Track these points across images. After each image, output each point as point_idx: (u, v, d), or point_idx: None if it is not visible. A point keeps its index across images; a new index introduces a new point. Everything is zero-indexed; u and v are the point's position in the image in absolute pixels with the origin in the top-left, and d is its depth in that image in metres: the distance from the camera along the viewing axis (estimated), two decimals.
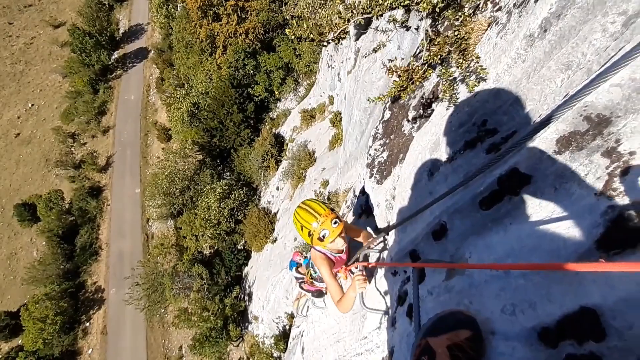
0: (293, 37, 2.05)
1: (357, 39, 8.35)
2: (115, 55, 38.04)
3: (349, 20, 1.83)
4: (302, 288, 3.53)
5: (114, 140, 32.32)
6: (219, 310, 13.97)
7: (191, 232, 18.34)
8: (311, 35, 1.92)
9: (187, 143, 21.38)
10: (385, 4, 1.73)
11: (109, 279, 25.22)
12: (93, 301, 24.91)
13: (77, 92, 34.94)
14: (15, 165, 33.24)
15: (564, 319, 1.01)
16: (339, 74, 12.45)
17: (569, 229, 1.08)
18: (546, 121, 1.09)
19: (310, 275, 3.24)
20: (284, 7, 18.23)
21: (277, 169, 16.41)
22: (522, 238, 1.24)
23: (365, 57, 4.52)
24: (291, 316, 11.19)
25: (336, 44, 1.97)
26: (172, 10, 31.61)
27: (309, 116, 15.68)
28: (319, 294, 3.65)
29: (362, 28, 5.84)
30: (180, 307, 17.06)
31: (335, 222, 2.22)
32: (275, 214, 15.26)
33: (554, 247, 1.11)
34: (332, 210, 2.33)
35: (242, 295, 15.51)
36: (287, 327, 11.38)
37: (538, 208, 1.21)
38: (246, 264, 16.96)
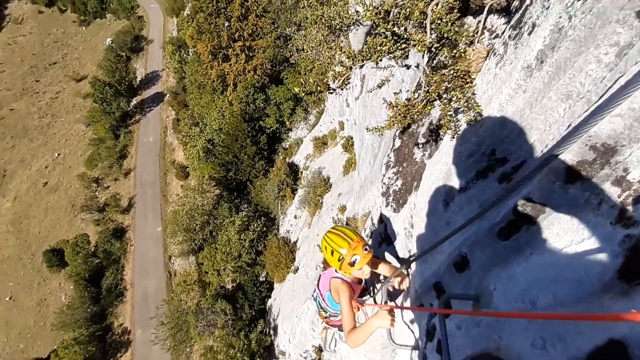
0: (303, 95, 2.19)
1: (361, 67, 8.62)
2: (134, 101, 40.30)
3: (351, 68, 1.94)
4: (327, 323, 3.48)
5: (135, 182, 33.52)
6: (245, 346, 13.70)
7: (213, 267, 18.41)
8: (319, 88, 2.04)
9: (204, 179, 21.94)
10: (384, 49, 1.84)
11: (135, 319, 25.32)
12: (120, 343, 24.93)
13: (100, 139, 36.87)
14: (44, 213, 34.77)
15: (595, 352, 0.99)
16: (347, 100, 12.75)
17: (589, 259, 1.08)
18: (554, 153, 1.12)
19: (322, 315, 3.13)
20: (289, 42, 19.11)
21: (294, 198, 16.52)
22: (544, 268, 1.24)
23: (371, 91, 4.65)
24: (319, 349, 10.86)
25: (342, 89, 2.08)
26: (185, 55, 33.55)
27: (321, 143, 15.93)
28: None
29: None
30: (205, 345, 16.84)
31: (366, 249, 2.23)
32: (295, 242, 15.22)
33: (576, 277, 1.10)
34: (362, 237, 2.33)
35: (267, 330, 15.21)
36: None
37: (556, 237, 1.21)
38: (269, 296, 16.75)
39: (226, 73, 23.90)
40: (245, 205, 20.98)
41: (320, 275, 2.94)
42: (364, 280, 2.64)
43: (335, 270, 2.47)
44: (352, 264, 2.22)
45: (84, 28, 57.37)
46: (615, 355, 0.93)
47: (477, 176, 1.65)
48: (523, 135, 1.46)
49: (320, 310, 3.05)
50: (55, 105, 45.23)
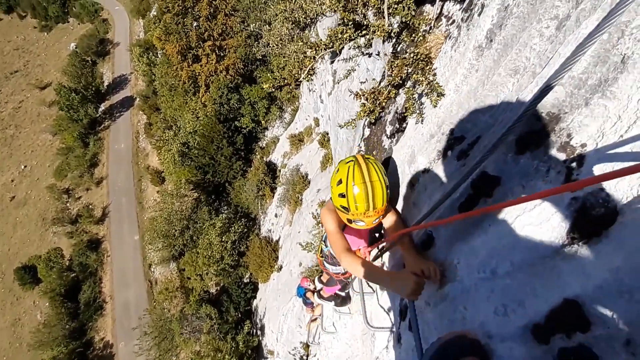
0: (272, 89, 2.13)
1: (332, 62, 8.64)
2: (102, 107, 38.74)
3: (314, 58, 1.94)
4: (321, 297, 3.39)
5: (108, 190, 32.32)
6: (233, 349, 13.55)
7: (195, 272, 18.05)
8: (286, 81, 2.02)
9: (181, 183, 21.43)
10: (345, 36, 1.84)
11: (117, 332, 24.50)
12: (102, 358, 24.08)
13: (68, 148, 35.24)
14: (13, 229, 32.95)
15: (551, 314, 1.03)
16: (321, 96, 12.75)
17: (541, 224, 1.12)
18: (511, 127, 1.16)
19: (322, 251, 2.72)
20: (259, 40, 18.87)
21: (273, 197, 16.42)
22: (501, 238, 1.28)
23: (339, 82, 4.67)
24: (307, 345, 10.88)
25: (308, 81, 2.07)
26: (153, 57, 32.51)
27: (298, 140, 15.89)
28: (341, 300, 3.51)
29: (335, 53, 6.08)
30: (193, 350, 16.54)
31: (378, 219, 1.77)
32: (277, 241, 15.14)
33: (530, 243, 1.15)
34: (388, 205, 1.79)
35: (254, 330, 15.10)
36: (305, 357, 11.04)
37: (511, 207, 1.25)
38: (254, 297, 16.62)
39: (197, 74, 23.37)
40: (225, 207, 20.68)
41: None
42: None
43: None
44: (350, 222, 1.80)
45: (45, 34, 54.47)
46: (572, 315, 0.97)
47: (437, 156, 1.69)
48: (477, 112, 1.50)
49: (322, 243, 2.67)
50: (18, 115, 42.84)
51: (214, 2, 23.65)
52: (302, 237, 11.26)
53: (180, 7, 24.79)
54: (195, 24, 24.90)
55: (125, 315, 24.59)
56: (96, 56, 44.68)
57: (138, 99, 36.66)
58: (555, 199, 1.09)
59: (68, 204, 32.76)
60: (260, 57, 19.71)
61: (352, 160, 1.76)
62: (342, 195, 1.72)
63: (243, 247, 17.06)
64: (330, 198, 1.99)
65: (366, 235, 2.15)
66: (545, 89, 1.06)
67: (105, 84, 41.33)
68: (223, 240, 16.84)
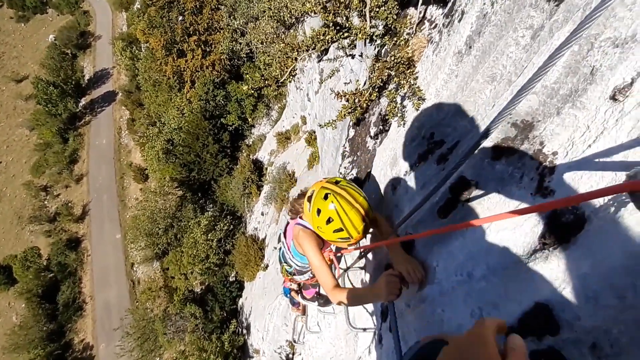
0: (252, 91, 2.10)
1: (319, 61, 8.62)
2: (83, 102, 37.52)
3: (296, 59, 1.92)
4: (304, 298, 3.36)
5: (89, 188, 31.39)
6: (218, 348, 13.42)
7: (179, 271, 17.75)
8: (267, 82, 1.99)
9: (166, 180, 21.01)
10: (327, 38, 1.84)
11: (97, 334, 23.90)
12: None
13: (46, 144, 34.02)
14: None
15: (524, 316, 1.06)
16: (308, 95, 12.71)
17: (515, 229, 1.15)
18: (485, 134, 1.18)
19: (285, 270, 2.72)
20: (243, 37, 18.62)
21: (260, 195, 16.30)
22: (477, 241, 1.30)
23: (323, 82, 4.66)
24: (292, 344, 10.88)
25: (289, 82, 2.06)
26: (136, 51, 31.68)
27: (284, 138, 15.81)
28: (325, 301, 3.48)
29: (322, 52, 6.06)
30: (177, 350, 16.30)
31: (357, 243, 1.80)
32: (264, 239, 15.05)
33: (505, 247, 1.18)
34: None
35: (240, 329, 14.99)
36: (291, 356, 11.04)
37: (487, 211, 1.28)
38: (240, 296, 16.49)
39: (182, 69, 22.92)
40: (211, 205, 20.41)
41: (287, 222, 2.47)
42: None
43: (300, 217, 2.03)
44: (325, 243, 1.86)
45: (22, 25, 52.22)
46: (542, 319, 1.00)
47: (418, 159, 1.71)
48: (456, 117, 1.52)
49: (284, 264, 2.67)
50: None
51: None
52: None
53: (166, 1, 24.25)
54: (180, 18, 24.39)
55: (106, 316, 24.00)
56: (76, 49, 43.15)
57: (120, 94, 35.66)
58: (528, 204, 1.12)
59: (46, 202, 31.66)
60: (246, 55, 19.47)
61: (329, 193, 1.72)
62: (339, 230, 1.69)
63: (229, 246, 16.89)
64: (299, 218, 2.05)
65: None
66: (519, 97, 1.09)
67: (86, 77, 40.00)
68: (209, 238, 16.62)
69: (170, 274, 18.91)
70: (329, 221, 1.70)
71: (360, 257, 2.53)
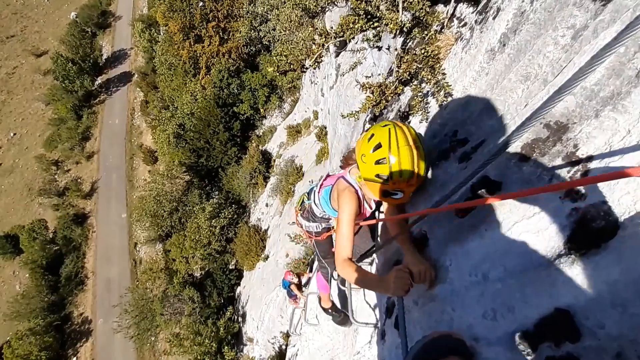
0: (276, 73, 2.05)
1: (337, 56, 8.56)
2: (99, 80, 37.93)
3: (323, 45, 1.90)
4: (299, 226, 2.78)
5: (99, 166, 31.81)
6: (212, 333, 13.57)
7: (181, 254, 17.96)
8: (292, 66, 1.96)
9: (174, 164, 21.20)
10: (356, 26, 1.81)
11: (96, 308, 24.34)
12: (80, 333, 23.92)
13: (60, 119, 34.50)
14: None
15: (541, 321, 1.04)
16: (322, 90, 12.66)
17: (539, 232, 1.12)
18: (517, 133, 1.15)
19: (302, 203, 2.51)
20: (264, 24, 18.55)
21: (266, 186, 16.36)
22: (496, 243, 1.28)
23: (343, 74, 4.63)
24: (287, 335, 10.95)
25: (314, 68, 2.04)
26: (155, 34, 31.86)
27: (295, 131, 15.81)
28: (341, 319, 3.36)
29: (341, 45, 6.02)
30: (172, 331, 16.54)
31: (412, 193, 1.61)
32: (266, 231, 15.13)
33: (525, 249, 1.15)
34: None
35: (236, 317, 15.14)
36: (284, 347, 11.11)
37: (509, 213, 1.25)
38: (238, 284, 16.63)
39: (199, 55, 22.98)
40: (216, 192, 20.55)
41: (328, 174, 2.28)
42: (373, 203, 1.99)
43: (348, 173, 1.86)
44: (387, 194, 1.58)
45: (46, 0, 52.78)
46: (562, 325, 0.97)
47: (439, 157, 1.68)
48: (483, 116, 1.49)
49: (305, 203, 2.45)
50: (11, 81, 41.60)
51: None
52: (292, 229, 11.26)
53: None
54: (200, 3, 24.41)
55: (106, 292, 24.41)
56: (97, 28, 43.56)
57: (136, 75, 35.96)
58: (555, 209, 1.09)
59: (56, 176, 32.17)
60: (265, 43, 19.37)
61: (389, 125, 1.55)
62: (381, 162, 1.50)
63: (231, 234, 17.01)
64: (347, 174, 1.84)
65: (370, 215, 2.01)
66: (556, 98, 1.05)
67: (104, 57, 40.39)
68: (212, 225, 16.76)
69: (171, 257, 19.14)
70: (376, 147, 1.52)
71: (369, 253, 2.50)
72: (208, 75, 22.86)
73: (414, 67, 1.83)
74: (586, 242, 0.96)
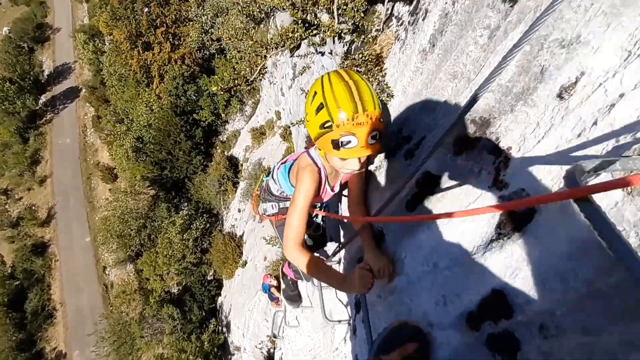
0: (221, 91, 2.00)
1: (292, 55, 8.54)
2: (43, 99, 35.27)
3: (265, 57, 1.91)
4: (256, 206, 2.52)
5: (54, 190, 29.73)
6: (197, 348, 13.24)
7: (154, 272, 17.28)
8: (237, 81, 1.94)
9: (136, 180, 20.26)
10: (296, 35, 1.83)
11: (70, 341, 22.92)
12: None
13: (4, 144, 31.81)
14: None
15: (482, 302, 1.13)
16: (282, 89, 12.59)
17: (474, 220, 1.22)
18: (447, 130, 1.23)
19: (260, 183, 2.31)
20: (211, 34, 18.07)
21: (236, 191, 16.08)
22: (442, 233, 1.37)
23: (296, 77, 4.64)
24: (274, 337, 10.91)
25: (260, 80, 2.04)
26: (100, 45, 30.09)
27: (259, 133, 15.63)
28: (293, 297, 3.43)
29: (297, 45, 6.01)
30: (155, 353, 15.95)
31: (374, 138, 1.39)
32: (241, 236, 14.90)
33: (467, 238, 1.24)
34: (381, 114, 1.39)
35: (220, 328, 14.85)
36: (272, 351, 11.07)
37: (450, 204, 1.34)
38: (219, 294, 16.30)
39: (150, 63, 22.01)
40: (186, 204, 19.91)
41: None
42: (336, 187, 1.82)
43: (313, 148, 1.70)
44: (337, 145, 1.38)
45: None
46: (498, 304, 1.07)
47: (388, 154, 1.75)
48: (422, 114, 1.57)
49: (263, 182, 2.27)
50: None
51: None
52: (267, 231, 11.18)
53: None
54: (146, 9, 23.33)
55: (79, 322, 23.02)
56: (34, 42, 40.27)
57: (84, 90, 33.78)
58: (486, 196, 1.19)
59: (7, 206, 29.71)
60: (216, 49, 18.92)
61: (324, 75, 1.45)
62: (320, 108, 1.36)
63: (206, 244, 16.59)
64: (312, 150, 1.69)
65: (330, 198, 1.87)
66: (476, 96, 1.15)
67: (46, 73, 37.53)
68: (184, 238, 16.25)
69: (144, 276, 18.37)
70: (313, 97, 1.41)
71: (337, 250, 2.55)
72: (162, 84, 21.96)
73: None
74: (511, 226, 1.05)
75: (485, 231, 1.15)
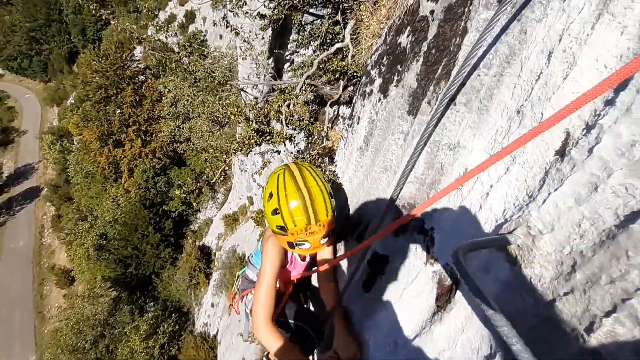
0: (184, 196, 2.16)
1: (259, 145, 9.18)
2: None
3: (225, 162, 2.17)
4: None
5: None
6: None
7: None
8: (199, 184, 2.15)
9: (96, 281, 18.67)
10: (252, 142, 2.14)
11: None
12: None
13: None
14: None
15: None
16: (253, 176, 13.06)
17: (419, 295, 1.35)
18: (384, 216, 1.45)
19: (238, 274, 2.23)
20: (187, 122, 19.16)
21: (209, 284, 15.16)
22: (397, 310, 1.47)
23: (263, 167, 5.00)
24: None
25: (222, 181, 2.26)
26: (67, 144, 30.45)
27: (232, 220, 15.55)
28: None
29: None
30: None
31: (326, 237, 1.50)
32: (215, 335, 13.57)
33: (415, 313, 1.35)
34: (333, 218, 1.51)
35: None
36: None
37: (399, 282, 1.48)
38: None
39: (119, 159, 22.29)
40: (152, 304, 18.27)
41: None
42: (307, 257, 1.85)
43: None
44: (292, 245, 1.50)
45: None
46: None
47: (340, 238, 1.92)
48: (367, 201, 1.81)
49: (240, 276, 2.20)
50: None
51: (139, 90, 23.89)
52: (243, 326, 10.32)
53: (102, 96, 24.48)
54: (118, 110, 24.53)
55: None
56: None
57: (46, 189, 32.87)
58: (425, 272, 1.34)
59: None
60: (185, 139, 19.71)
61: (283, 168, 1.51)
62: (276, 212, 1.42)
63: (174, 350, 14.82)
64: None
65: (303, 269, 1.83)
66: (401, 185, 1.40)
67: (5, 175, 36.58)
68: (149, 345, 14.50)
69: None
70: (270, 197, 1.46)
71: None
72: (131, 178, 22.00)
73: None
74: (443, 298, 1.20)
75: (429, 304, 1.28)
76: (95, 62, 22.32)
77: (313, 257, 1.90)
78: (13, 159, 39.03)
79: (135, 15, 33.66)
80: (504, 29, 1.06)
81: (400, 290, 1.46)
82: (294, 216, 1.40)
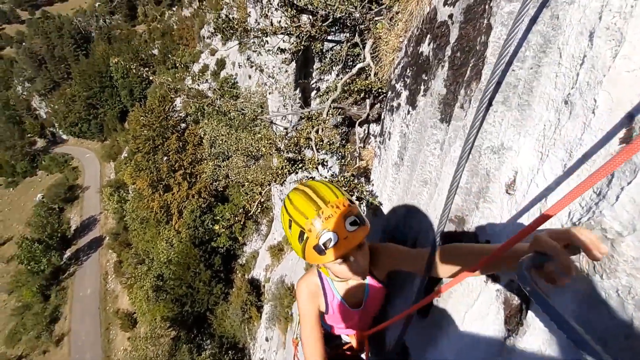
0: (223, 230, 2.20)
1: (296, 173, 9.35)
2: (68, 253, 37.04)
3: (261, 193, 2.21)
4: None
5: (70, 349, 28.36)
6: None
7: None
8: (237, 218, 2.19)
9: (156, 322, 19.48)
10: (285, 171, 2.16)
11: None
12: None
13: (25, 306, 31.94)
14: None
15: None
16: None
17: (484, 318, 1.21)
18: (438, 232, 1.35)
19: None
20: (225, 161, 20.15)
21: (261, 317, 15.19)
22: (460, 337, 1.33)
23: None
24: None
25: (263, 213, 2.29)
26: (124, 194, 33.19)
27: (277, 250, 15.69)
28: None
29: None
30: None
31: (355, 223, 1.25)
32: None
33: (481, 338, 1.21)
34: (351, 201, 1.33)
35: None
36: None
37: (458, 305, 1.35)
38: None
39: (169, 202, 23.81)
40: (208, 341, 18.61)
41: None
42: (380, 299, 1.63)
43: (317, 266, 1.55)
44: (321, 249, 1.24)
45: (11, 189, 54.72)
46: None
47: None
48: (409, 217, 1.71)
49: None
50: None
51: (182, 137, 25.81)
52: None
53: (151, 146, 26.70)
54: (165, 157, 26.53)
55: None
56: (64, 202, 44.81)
57: (107, 238, 35.76)
58: (486, 293, 1.21)
59: None
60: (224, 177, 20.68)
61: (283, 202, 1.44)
62: (290, 224, 1.31)
63: None
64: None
65: (358, 319, 1.65)
66: (449, 200, 1.30)
67: (72, 228, 40.50)
68: None
69: None
70: (283, 219, 1.37)
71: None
72: (181, 219, 23.30)
73: (342, 189, 2.14)
74: (514, 320, 1.06)
75: (497, 328, 1.14)
76: (142, 117, 24.59)
77: (369, 303, 1.63)
78: (79, 213, 43.21)
79: (173, 71, 37.02)
80: (533, 19, 0.99)
81: (462, 314, 1.32)
82: (302, 209, 1.27)
